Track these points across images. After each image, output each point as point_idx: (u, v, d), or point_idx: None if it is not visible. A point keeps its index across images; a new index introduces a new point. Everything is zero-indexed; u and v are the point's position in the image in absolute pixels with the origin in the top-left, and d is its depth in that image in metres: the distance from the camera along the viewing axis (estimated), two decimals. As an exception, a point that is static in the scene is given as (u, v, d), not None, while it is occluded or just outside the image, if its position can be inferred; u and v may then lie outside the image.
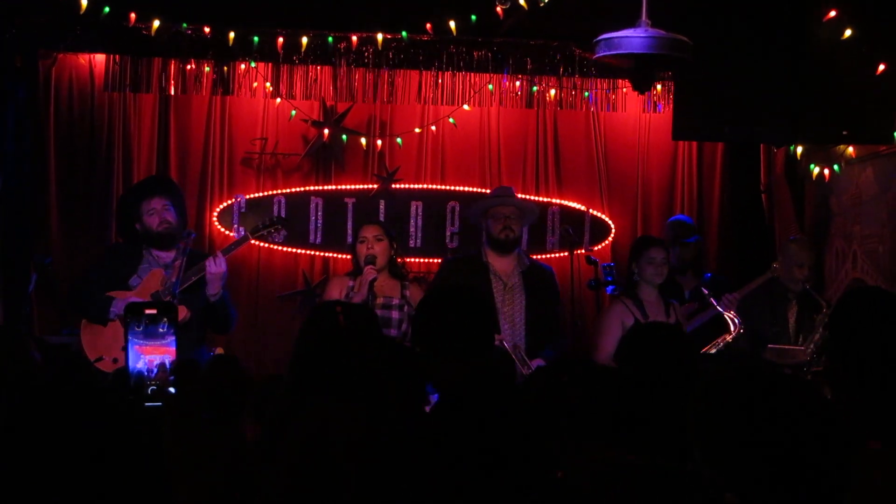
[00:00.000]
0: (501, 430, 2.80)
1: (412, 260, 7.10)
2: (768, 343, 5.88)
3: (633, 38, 4.37)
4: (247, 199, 7.30)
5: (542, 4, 5.66)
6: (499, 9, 5.84)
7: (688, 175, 7.69)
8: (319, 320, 3.40)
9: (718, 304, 5.83)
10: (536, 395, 2.91)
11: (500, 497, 2.67)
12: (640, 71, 4.58)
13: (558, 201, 7.56)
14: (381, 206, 7.38)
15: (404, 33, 6.49)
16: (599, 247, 7.47)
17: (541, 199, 7.45)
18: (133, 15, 6.15)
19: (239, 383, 3.80)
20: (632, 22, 4.42)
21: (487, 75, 7.07)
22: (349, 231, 7.25)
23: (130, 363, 3.61)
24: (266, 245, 7.29)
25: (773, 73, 5.54)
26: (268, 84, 7.01)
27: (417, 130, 7.39)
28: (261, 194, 7.34)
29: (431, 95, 7.20)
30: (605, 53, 4.44)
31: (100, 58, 7.06)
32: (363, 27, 6.51)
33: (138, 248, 5.69)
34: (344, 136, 7.29)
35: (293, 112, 7.19)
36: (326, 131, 7.25)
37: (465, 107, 7.24)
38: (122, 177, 7.16)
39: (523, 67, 6.92)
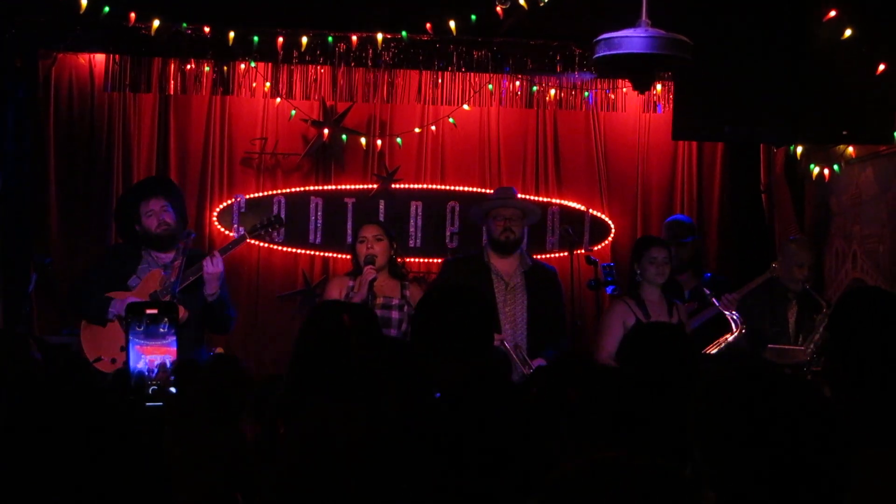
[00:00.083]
0: (501, 430, 2.80)
1: (412, 260, 7.10)
2: (768, 343, 5.88)
3: (633, 37, 4.36)
4: (246, 199, 7.30)
5: (542, 4, 5.66)
6: (499, 9, 5.84)
7: (688, 175, 7.69)
8: (319, 320, 3.40)
9: (719, 304, 5.84)
10: (536, 395, 2.92)
11: (500, 497, 2.67)
12: (639, 71, 4.58)
13: (558, 201, 7.56)
14: (381, 206, 7.39)
15: (404, 33, 6.49)
16: (599, 247, 7.47)
17: (540, 199, 7.45)
18: (133, 15, 6.15)
19: (239, 383, 3.79)
20: (632, 22, 4.42)
21: (487, 75, 7.07)
22: (349, 231, 7.25)
23: (131, 363, 3.61)
24: (266, 245, 7.29)
25: (773, 73, 5.54)
26: (267, 84, 7.01)
27: (417, 130, 7.39)
28: (261, 194, 7.34)
29: (431, 95, 7.21)
30: (605, 53, 4.44)
31: (100, 58, 7.07)
32: (363, 27, 6.51)
33: (138, 248, 5.68)
34: (344, 136, 7.29)
35: (293, 112, 7.19)
36: (326, 131, 7.25)
37: (465, 107, 7.24)
38: (122, 176, 7.16)
39: (523, 67, 6.92)
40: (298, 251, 7.42)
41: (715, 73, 5.53)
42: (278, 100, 7.12)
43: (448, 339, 3.18)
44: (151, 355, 3.62)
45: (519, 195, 6.20)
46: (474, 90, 7.19)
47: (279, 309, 7.35)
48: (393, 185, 7.40)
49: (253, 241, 6.81)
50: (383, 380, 3.16)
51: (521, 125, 7.61)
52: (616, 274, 6.35)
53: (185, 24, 6.44)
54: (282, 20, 6.55)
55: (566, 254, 6.63)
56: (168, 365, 3.60)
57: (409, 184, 7.45)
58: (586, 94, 7.21)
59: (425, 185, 7.49)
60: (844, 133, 5.87)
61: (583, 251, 6.97)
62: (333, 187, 7.43)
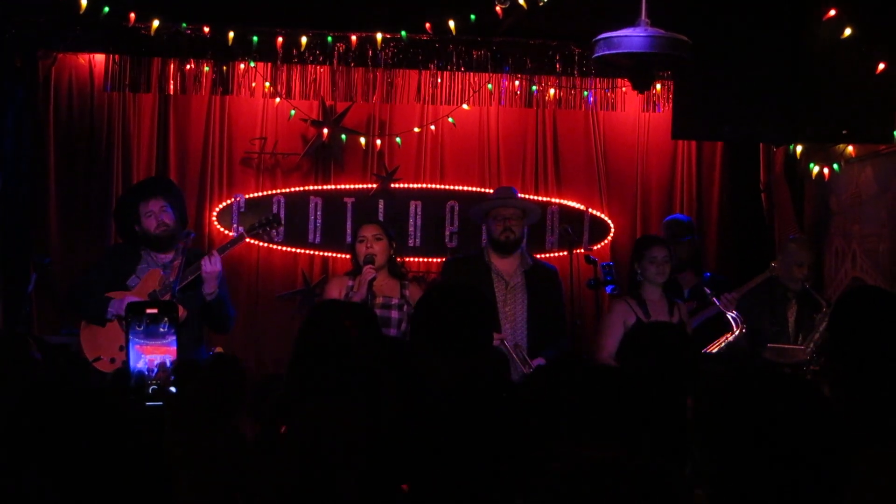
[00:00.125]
0: (500, 430, 2.80)
1: (411, 259, 7.11)
2: (768, 342, 5.88)
3: (632, 37, 4.37)
4: (246, 199, 7.29)
5: (541, 4, 5.66)
6: (498, 8, 5.84)
7: (687, 174, 7.69)
8: (319, 320, 3.40)
9: (719, 304, 5.85)
10: (535, 395, 2.91)
11: (499, 497, 2.67)
12: (639, 70, 4.58)
13: (557, 201, 7.56)
14: (381, 206, 7.39)
15: (403, 33, 6.49)
16: (599, 246, 7.46)
17: (540, 198, 7.45)
18: (132, 15, 6.16)
19: (237, 382, 3.79)
20: (631, 21, 4.43)
21: (487, 75, 7.07)
22: (348, 231, 7.25)
23: (131, 363, 3.61)
24: (265, 245, 7.29)
25: (772, 73, 5.54)
26: (267, 84, 7.01)
27: (417, 130, 7.39)
28: (260, 194, 7.34)
29: (430, 95, 7.21)
30: (604, 52, 4.44)
31: (99, 58, 7.07)
32: (362, 27, 6.51)
33: (137, 248, 5.68)
34: (343, 136, 7.29)
35: (292, 112, 7.19)
36: (326, 131, 7.25)
37: (465, 106, 7.24)
38: (122, 176, 7.17)
39: (522, 67, 6.92)
40: (298, 251, 7.43)
41: (714, 73, 5.53)
42: (278, 100, 7.13)
43: (447, 339, 3.18)
44: (151, 355, 3.62)
45: (519, 195, 6.20)
46: (474, 90, 7.19)
47: (279, 309, 7.35)
48: (392, 185, 7.40)
49: (252, 241, 6.81)
50: (383, 380, 3.16)
51: (521, 125, 7.61)
52: (615, 273, 6.35)
53: (184, 25, 6.44)
54: (281, 20, 6.55)
55: (565, 253, 6.63)
56: (168, 364, 3.60)
57: (408, 183, 7.45)
58: (585, 93, 7.21)
59: (425, 185, 7.49)
60: (844, 132, 5.87)
61: (582, 251, 6.97)
62: (333, 187, 7.43)
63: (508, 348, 5.41)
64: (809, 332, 5.90)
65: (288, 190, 7.38)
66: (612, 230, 7.58)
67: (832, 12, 5.49)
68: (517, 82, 7.17)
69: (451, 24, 6.16)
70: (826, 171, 6.81)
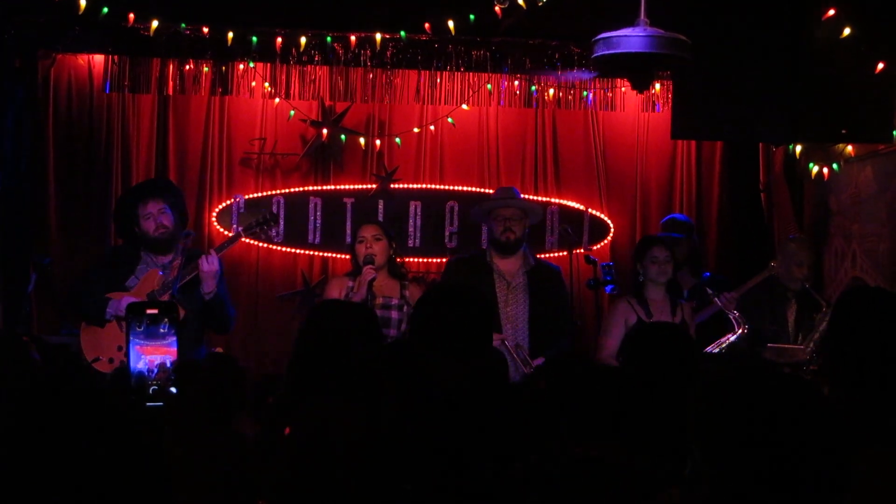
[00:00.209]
0: (500, 430, 2.80)
1: (411, 260, 7.11)
2: (768, 342, 5.88)
3: (631, 37, 4.37)
4: (245, 200, 7.29)
5: (540, 4, 5.66)
6: (497, 8, 5.83)
7: (687, 174, 7.69)
8: (319, 320, 3.40)
9: (721, 304, 5.86)
10: (535, 395, 2.91)
11: (500, 497, 2.66)
12: (638, 70, 4.58)
13: (557, 201, 7.57)
14: (380, 206, 7.39)
15: (403, 33, 6.48)
16: (598, 246, 7.46)
17: (540, 198, 7.45)
18: (132, 15, 6.15)
19: (235, 381, 3.79)
20: (630, 21, 4.42)
21: (486, 75, 7.07)
22: (348, 231, 7.25)
23: (131, 363, 3.61)
24: (265, 245, 7.30)
25: (772, 72, 5.54)
26: (266, 84, 7.01)
27: (416, 130, 7.39)
28: (260, 194, 7.34)
29: (430, 95, 7.20)
30: (603, 52, 4.44)
31: (99, 58, 7.07)
32: (362, 27, 6.51)
33: (137, 249, 5.68)
34: (343, 136, 7.30)
35: (292, 112, 7.19)
36: (325, 131, 7.25)
37: (464, 106, 7.24)
38: (121, 177, 7.17)
39: (522, 67, 6.92)
40: (298, 251, 7.43)
41: (714, 73, 5.53)
42: (277, 100, 7.13)
43: (447, 339, 3.18)
44: (151, 355, 3.62)
45: (521, 195, 6.20)
46: (473, 90, 7.19)
47: (279, 309, 7.35)
48: (392, 185, 7.40)
49: (251, 241, 6.81)
50: (383, 380, 3.16)
51: (520, 125, 7.61)
52: (615, 273, 6.35)
53: (183, 25, 6.43)
54: (280, 20, 6.54)
55: (565, 253, 6.64)
56: (168, 365, 3.59)
57: (407, 184, 7.45)
58: (585, 93, 7.21)
59: (424, 185, 7.49)
60: (843, 132, 5.87)
61: (582, 251, 6.97)
62: (332, 187, 7.43)
63: (509, 348, 5.41)
64: (809, 332, 5.90)
65: (287, 190, 7.38)
66: (612, 230, 7.58)
67: (831, 12, 5.49)
68: (516, 82, 7.17)
69: (451, 24, 6.16)
70: (825, 170, 6.81)
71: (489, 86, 7.17)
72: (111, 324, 5.47)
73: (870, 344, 2.84)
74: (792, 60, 5.53)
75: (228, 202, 7.30)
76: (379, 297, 5.55)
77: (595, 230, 7.54)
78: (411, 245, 7.41)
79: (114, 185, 7.13)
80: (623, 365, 3.64)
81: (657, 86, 7.06)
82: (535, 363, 5.38)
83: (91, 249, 6.89)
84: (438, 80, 7.15)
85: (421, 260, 7.44)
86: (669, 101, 6.77)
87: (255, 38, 6.53)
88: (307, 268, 7.43)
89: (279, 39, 6.55)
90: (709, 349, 5.73)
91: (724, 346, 5.77)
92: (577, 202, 7.57)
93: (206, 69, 6.89)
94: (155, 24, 6.21)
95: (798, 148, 6.85)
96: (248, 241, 6.48)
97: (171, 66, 6.88)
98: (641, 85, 4.71)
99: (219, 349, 5.81)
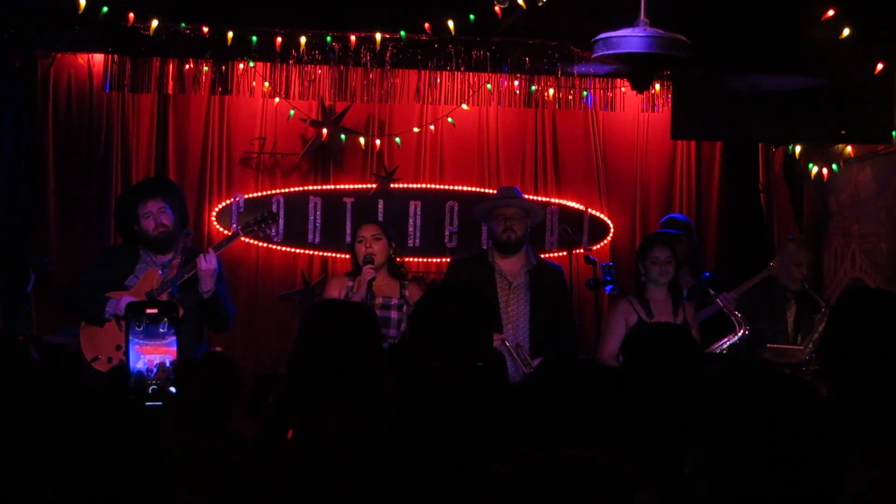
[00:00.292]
0: (500, 430, 2.80)
1: (411, 259, 7.10)
2: (767, 342, 5.88)
3: (631, 37, 4.37)
4: (245, 199, 7.29)
5: (540, 3, 5.66)
6: (497, 8, 5.83)
7: (686, 174, 7.69)
8: (319, 320, 3.40)
9: (722, 305, 5.87)
10: (535, 395, 2.91)
11: (499, 496, 2.66)
12: (638, 70, 4.58)
13: (557, 201, 7.56)
14: (380, 206, 7.38)
15: (403, 33, 6.49)
16: (598, 246, 7.46)
17: (539, 198, 7.44)
18: (131, 15, 6.15)
19: (232, 381, 3.79)
20: (630, 21, 4.43)
21: (486, 75, 7.06)
22: (348, 231, 7.24)
23: (131, 363, 3.61)
24: (265, 245, 7.29)
25: (771, 73, 5.54)
26: (266, 84, 7.00)
27: (416, 130, 7.39)
28: (259, 194, 7.34)
29: (430, 95, 7.19)
30: (603, 52, 4.44)
31: (98, 57, 7.06)
32: (362, 27, 6.51)
33: (136, 248, 5.68)
34: (342, 136, 7.29)
35: (292, 112, 7.19)
36: (325, 131, 7.25)
37: (464, 106, 7.23)
38: (121, 176, 7.16)
39: (522, 67, 6.92)
40: (297, 251, 7.42)
41: (714, 73, 5.53)
42: (277, 99, 7.12)
43: (447, 338, 3.18)
44: (151, 355, 3.62)
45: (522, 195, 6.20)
46: (473, 90, 7.19)
47: (278, 309, 7.35)
48: (392, 185, 7.40)
49: (251, 240, 6.81)
50: (383, 380, 3.16)
51: (520, 125, 7.60)
52: (615, 273, 6.35)
53: (183, 24, 6.44)
54: (280, 20, 6.55)
55: (565, 253, 6.64)
56: (168, 365, 3.59)
57: (407, 183, 7.45)
58: (585, 93, 7.21)
59: (424, 185, 7.48)
60: (843, 132, 5.88)
61: (582, 251, 6.97)
62: (332, 187, 7.43)
63: (509, 348, 5.41)
64: (808, 333, 5.91)
65: (287, 190, 7.38)
66: (612, 230, 7.58)
67: (831, 12, 5.49)
68: (516, 82, 7.16)
69: (451, 24, 6.16)
70: (825, 171, 6.81)
71: (489, 86, 7.17)
72: (110, 323, 5.47)
73: (870, 344, 2.84)
74: (792, 61, 5.53)
75: (228, 202, 7.29)
76: (378, 296, 5.55)
77: (595, 230, 7.53)
78: (411, 245, 7.41)
79: (113, 184, 7.12)
80: (623, 365, 3.63)
81: (657, 86, 7.06)
82: (535, 363, 5.38)
83: (91, 249, 6.88)
84: (438, 80, 7.14)
85: (421, 260, 7.44)
86: (669, 101, 6.77)
87: (254, 38, 6.53)
88: (307, 267, 7.43)
89: (279, 39, 6.55)
90: (709, 350, 5.72)
91: (724, 346, 5.77)
92: (577, 202, 7.57)
93: (205, 69, 6.88)
94: (155, 23, 6.22)
95: (798, 148, 6.86)
96: (247, 240, 6.47)
97: (171, 66, 6.88)
98: (641, 85, 4.72)
99: (218, 348, 5.82)
